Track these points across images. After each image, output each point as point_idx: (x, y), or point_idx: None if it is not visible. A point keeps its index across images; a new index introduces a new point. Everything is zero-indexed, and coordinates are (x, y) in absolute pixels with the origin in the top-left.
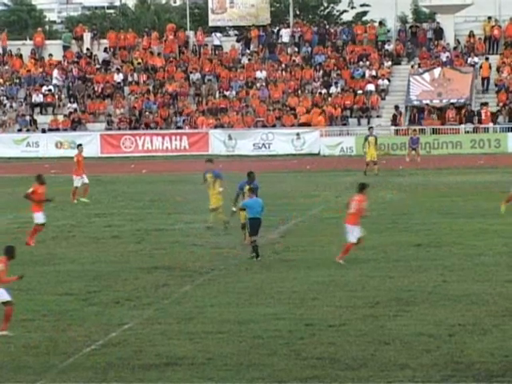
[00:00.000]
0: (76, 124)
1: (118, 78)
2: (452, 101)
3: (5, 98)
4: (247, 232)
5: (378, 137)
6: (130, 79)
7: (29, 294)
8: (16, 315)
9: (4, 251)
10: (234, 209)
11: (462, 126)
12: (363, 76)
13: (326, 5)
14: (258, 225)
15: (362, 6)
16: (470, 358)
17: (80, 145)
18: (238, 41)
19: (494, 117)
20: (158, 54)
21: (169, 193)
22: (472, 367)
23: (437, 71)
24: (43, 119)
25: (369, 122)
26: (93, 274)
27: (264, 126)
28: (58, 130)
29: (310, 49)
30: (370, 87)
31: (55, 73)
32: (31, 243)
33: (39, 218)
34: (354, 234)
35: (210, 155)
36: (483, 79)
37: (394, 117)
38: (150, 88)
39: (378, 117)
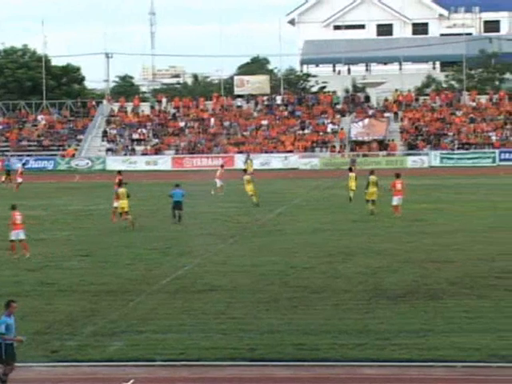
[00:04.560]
0: (157, 151)
1: (182, 124)
2: (375, 137)
3: (117, 135)
4: None
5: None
6: (188, 125)
7: (128, 248)
8: (123, 260)
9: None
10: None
11: (380, 152)
12: (323, 123)
13: (301, 82)
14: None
15: (323, 82)
16: (385, 286)
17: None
18: (249, 102)
19: (397, 145)
20: (206, 110)
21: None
22: (386, 291)
23: (366, 120)
24: (139, 148)
25: (327, 150)
26: (170, 236)
27: (266, 152)
28: (146, 154)
29: (292, 107)
30: (328, 130)
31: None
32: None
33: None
34: (396, 201)
35: (234, 169)
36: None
37: (341, 147)
38: (200, 130)
39: (332, 147)
